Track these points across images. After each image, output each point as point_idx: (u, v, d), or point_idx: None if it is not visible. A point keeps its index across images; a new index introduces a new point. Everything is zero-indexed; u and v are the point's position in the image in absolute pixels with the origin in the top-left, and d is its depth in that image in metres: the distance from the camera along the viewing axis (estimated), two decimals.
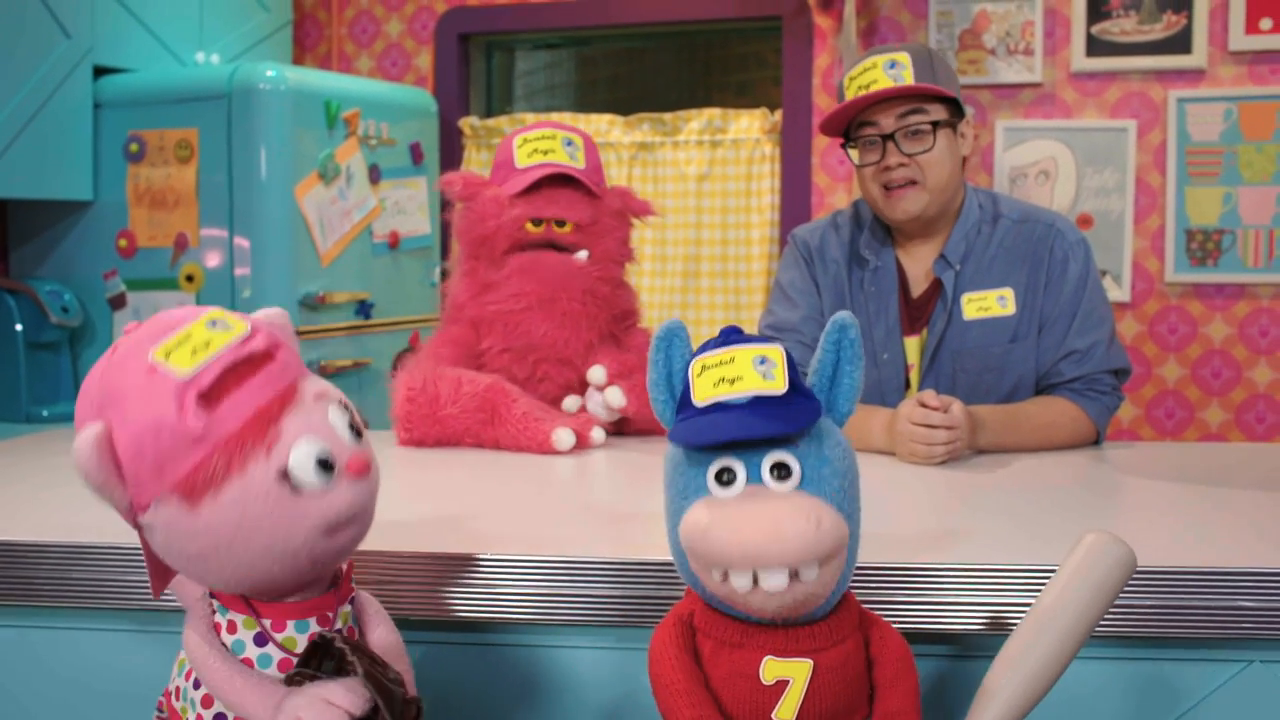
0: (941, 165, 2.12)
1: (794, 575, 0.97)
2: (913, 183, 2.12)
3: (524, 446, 1.99)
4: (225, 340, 1.01)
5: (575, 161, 2.16)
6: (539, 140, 2.16)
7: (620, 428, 2.16)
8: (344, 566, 1.15)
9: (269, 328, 1.07)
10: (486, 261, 2.16)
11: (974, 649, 1.29)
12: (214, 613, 1.10)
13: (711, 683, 1.04)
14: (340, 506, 1.02)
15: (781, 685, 1.02)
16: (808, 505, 0.97)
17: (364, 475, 1.03)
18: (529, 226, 2.12)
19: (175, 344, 1.01)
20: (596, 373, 2.09)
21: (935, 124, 2.11)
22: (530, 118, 3.98)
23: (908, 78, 2.09)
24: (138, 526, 1.05)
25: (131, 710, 1.39)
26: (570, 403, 2.14)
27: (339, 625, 1.10)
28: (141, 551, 1.31)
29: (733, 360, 1.01)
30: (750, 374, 1.00)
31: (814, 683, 1.02)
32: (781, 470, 0.99)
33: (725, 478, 1.00)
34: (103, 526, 1.48)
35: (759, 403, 1.00)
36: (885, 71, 2.10)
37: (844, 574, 1.03)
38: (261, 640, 1.08)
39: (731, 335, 1.05)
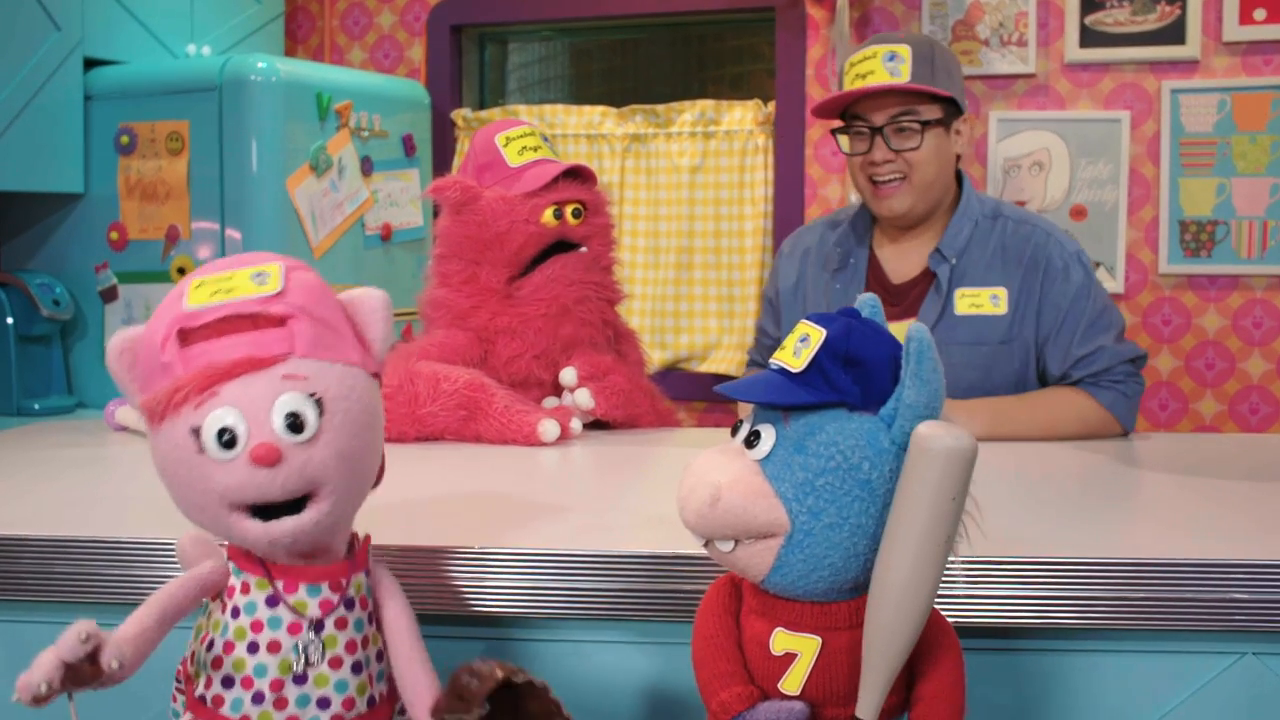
0: (928, 164, 2.13)
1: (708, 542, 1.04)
2: (899, 178, 2.13)
3: (509, 439, 1.99)
4: (248, 293, 1.06)
5: (556, 155, 2.20)
6: (524, 138, 2.18)
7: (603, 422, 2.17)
8: (359, 538, 1.15)
9: (307, 298, 1.08)
10: (492, 266, 2.14)
11: None
12: (229, 575, 1.11)
13: (741, 644, 1.08)
14: (232, 484, 1.03)
15: (789, 658, 1.04)
16: (723, 479, 1.01)
17: (266, 464, 1.02)
18: (549, 219, 2.11)
19: (212, 281, 1.07)
20: (568, 374, 2.11)
21: (925, 123, 2.11)
22: (523, 109, 3.97)
23: (905, 73, 2.09)
24: None
25: (116, 704, 1.39)
26: (548, 403, 2.14)
27: (351, 594, 1.11)
28: (127, 543, 1.31)
29: (794, 332, 1.05)
30: (789, 348, 1.04)
31: (822, 660, 1.03)
32: (752, 438, 1.03)
33: (735, 429, 1.07)
34: (87, 520, 1.48)
35: (779, 374, 1.03)
36: (884, 64, 2.10)
37: (814, 565, 1.01)
38: (273, 601, 1.09)
39: (836, 314, 1.05)
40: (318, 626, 1.09)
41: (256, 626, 1.09)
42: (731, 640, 1.08)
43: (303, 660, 1.08)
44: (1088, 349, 2.11)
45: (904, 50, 2.10)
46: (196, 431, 1.03)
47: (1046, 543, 1.32)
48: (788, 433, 1.02)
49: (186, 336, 1.05)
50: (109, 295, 3.16)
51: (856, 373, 1.01)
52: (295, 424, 1.04)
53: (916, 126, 2.11)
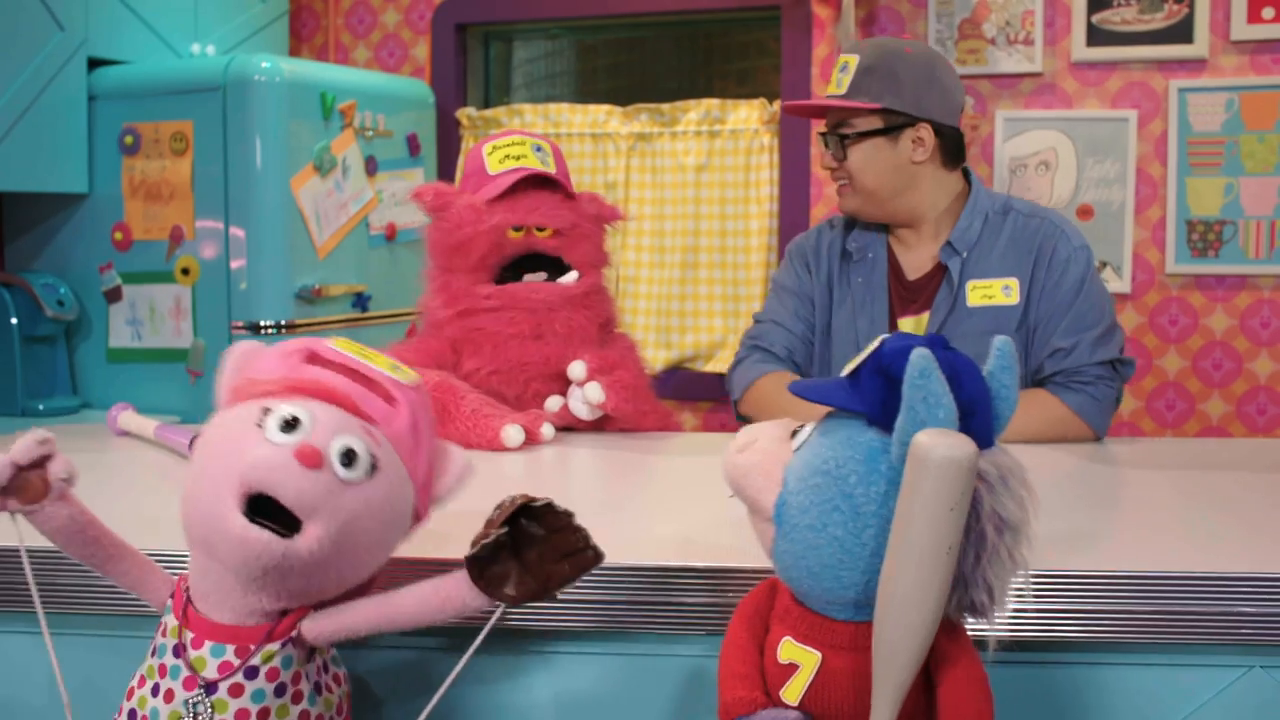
0: (864, 173, 2.21)
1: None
2: (845, 182, 2.24)
3: (473, 444, 1.96)
4: (383, 365, 1.14)
5: (547, 167, 2.15)
6: (509, 146, 2.15)
7: (602, 424, 2.15)
8: (291, 612, 1.13)
9: (420, 411, 1.15)
10: (461, 272, 2.14)
11: None
12: (164, 610, 1.14)
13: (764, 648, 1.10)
14: (262, 460, 1.03)
15: (792, 668, 1.05)
16: (759, 440, 1.08)
17: (305, 463, 1.03)
18: (510, 233, 2.11)
19: (352, 348, 1.16)
20: (576, 368, 2.09)
21: (846, 137, 2.20)
22: (528, 108, 3.96)
23: (845, 83, 2.20)
24: None
25: (117, 702, 1.38)
26: (552, 402, 2.13)
27: (256, 663, 1.10)
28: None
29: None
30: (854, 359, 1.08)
31: (821, 677, 1.03)
32: (800, 429, 1.09)
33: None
34: None
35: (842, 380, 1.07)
36: (838, 73, 2.22)
37: (794, 560, 1.03)
38: (178, 651, 1.10)
39: (923, 338, 1.02)
40: (210, 688, 1.08)
41: (161, 670, 1.10)
42: (753, 642, 1.09)
43: (190, 718, 1.08)
44: (1065, 343, 2.10)
45: (853, 60, 2.20)
46: (267, 410, 1.06)
47: (1052, 556, 1.30)
48: (818, 430, 1.05)
49: (314, 357, 1.12)
50: (113, 296, 3.15)
51: (887, 389, 1.00)
52: (347, 459, 1.06)
53: (848, 138, 2.21)
